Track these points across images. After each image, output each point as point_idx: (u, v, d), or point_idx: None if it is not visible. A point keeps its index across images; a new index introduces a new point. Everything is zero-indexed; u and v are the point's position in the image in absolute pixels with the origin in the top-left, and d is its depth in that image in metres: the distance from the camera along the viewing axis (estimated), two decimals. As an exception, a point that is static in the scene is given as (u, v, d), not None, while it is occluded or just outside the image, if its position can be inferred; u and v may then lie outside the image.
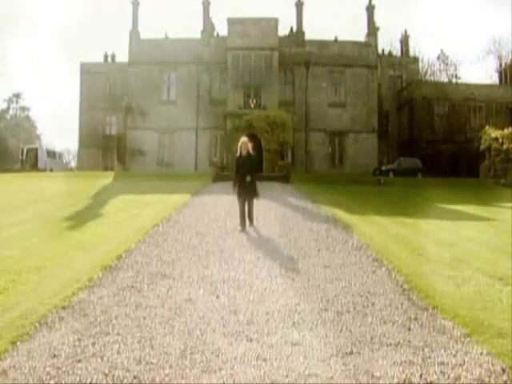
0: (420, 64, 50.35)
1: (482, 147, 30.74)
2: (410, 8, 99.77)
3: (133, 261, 7.58)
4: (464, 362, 4.12)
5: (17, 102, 78.02)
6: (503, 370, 3.96)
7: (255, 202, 10.77)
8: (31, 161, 39.85)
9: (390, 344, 4.47)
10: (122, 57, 42.11)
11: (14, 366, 3.99)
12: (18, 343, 4.43)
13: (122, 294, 5.94)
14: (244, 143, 10.52)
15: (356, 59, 35.85)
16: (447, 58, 54.49)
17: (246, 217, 10.48)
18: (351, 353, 4.28)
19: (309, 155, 35.63)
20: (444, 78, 52.12)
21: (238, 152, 10.56)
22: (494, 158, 30.01)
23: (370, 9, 36.77)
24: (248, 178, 10.35)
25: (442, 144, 38.87)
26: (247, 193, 10.49)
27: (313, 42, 35.92)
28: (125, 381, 3.78)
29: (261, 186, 11.20)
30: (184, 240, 9.30)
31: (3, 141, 68.37)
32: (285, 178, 25.41)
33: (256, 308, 5.46)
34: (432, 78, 53.37)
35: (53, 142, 76.64)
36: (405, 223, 12.13)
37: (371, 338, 4.61)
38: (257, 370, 3.94)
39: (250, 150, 10.55)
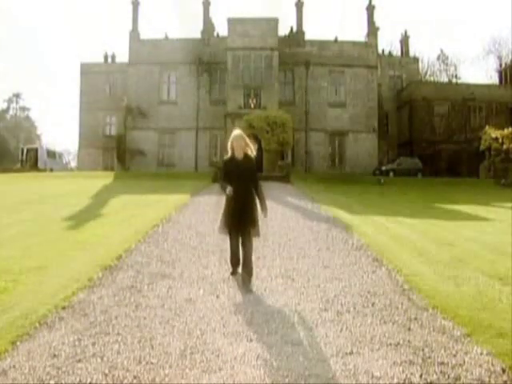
0: (420, 64, 50.45)
1: (481, 147, 30.74)
2: (409, 8, 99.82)
3: (133, 261, 7.58)
4: (464, 362, 4.12)
5: (17, 102, 78.11)
6: (503, 370, 3.95)
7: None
8: (31, 161, 39.85)
9: (390, 344, 4.47)
10: (122, 57, 42.25)
11: (14, 366, 3.98)
12: (18, 343, 4.43)
13: (121, 293, 5.94)
14: (237, 138, 6.58)
15: (356, 59, 35.88)
16: (447, 57, 54.63)
17: (241, 264, 6.65)
18: (351, 353, 4.28)
19: (309, 155, 35.65)
20: (444, 78, 52.22)
21: (229, 153, 6.68)
22: (494, 158, 30.02)
23: (370, 9, 36.81)
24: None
25: (442, 144, 38.89)
26: (242, 225, 6.52)
27: (313, 42, 35.96)
28: (125, 381, 3.78)
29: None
30: (184, 240, 9.29)
31: (3, 141, 68.39)
32: (285, 178, 25.43)
33: (256, 308, 5.46)
34: (432, 78, 53.47)
35: (53, 142, 76.66)
36: (405, 223, 12.13)
37: (371, 338, 4.61)
38: (257, 370, 3.94)
39: (249, 151, 6.64)
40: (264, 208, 6.59)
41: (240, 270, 6.69)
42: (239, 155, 6.62)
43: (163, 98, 36.55)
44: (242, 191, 6.45)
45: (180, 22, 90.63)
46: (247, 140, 6.69)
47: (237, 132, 6.75)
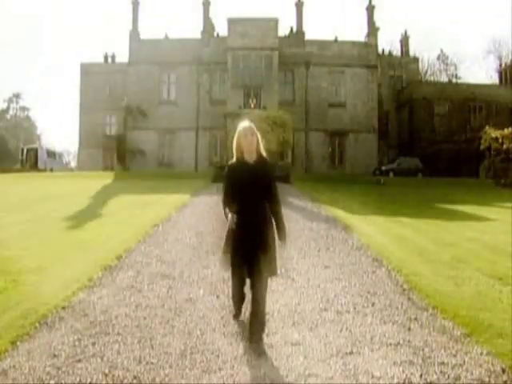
0: (420, 64, 50.39)
1: (481, 147, 30.70)
2: (410, 8, 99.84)
3: (133, 261, 7.58)
4: (464, 362, 4.12)
5: (17, 102, 78.12)
6: (503, 370, 3.96)
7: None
8: (31, 161, 39.89)
9: (390, 344, 4.47)
10: (122, 57, 42.23)
11: (14, 366, 3.98)
12: (18, 343, 4.43)
13: (122, 293, 5.94)
14: (247, 133, 4.58)
15: (356, 59, 35.89)
16: (447, 57, 54.49)
17: (246, 312, 4.85)
18: (351, 353, 4.28)
19: (309, 155, 35.65)
20: (444, 78, 52.11)
21: (235, 155, 4.70)
22: (494, 158, 29.99)
23: (370, 9, 36.82)
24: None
25: (442, 144, 38.86)
26: (252, 260, 4.54)
27: (313, 42, 35.97)
28: (125, 381, 3.78)
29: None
30: (184, 240, 9.29)
31: (3, 141, 68.42)
32: (285, 178, 25.39)
33: (256, 308, 5.45)
34: (432, 78, 53.38)
35: (53, 142, 76.66)
36: (405, 223, 12.12)
37: (371, 338, 4.61)
38: (257, 370, 3.94)
39: (262, 151, 4.67)
40: (283, 235, 4.82)
41: (242, 304, 5.06)
42: (250, 158, 4.61)
43: (163, 98, 36.55)
44: (252, 211, 4.65)
45: (180, 22, 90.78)
46: (259, 136, 4.65)
47: (246, 124, 4.63)
